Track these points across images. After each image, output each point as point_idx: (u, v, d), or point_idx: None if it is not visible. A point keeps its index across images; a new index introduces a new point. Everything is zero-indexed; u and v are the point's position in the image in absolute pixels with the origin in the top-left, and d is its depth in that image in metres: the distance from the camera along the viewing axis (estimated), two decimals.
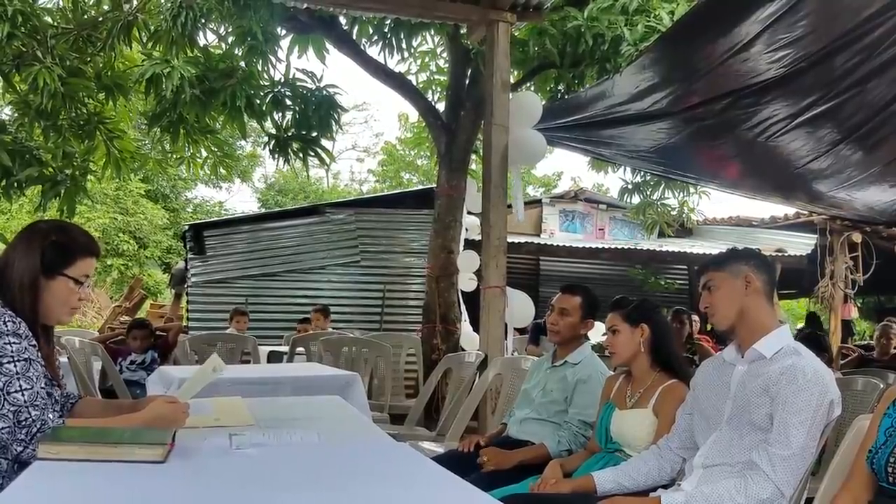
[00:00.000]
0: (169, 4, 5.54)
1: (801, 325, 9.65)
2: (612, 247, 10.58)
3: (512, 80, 5.51)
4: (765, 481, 1.87)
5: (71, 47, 5.92)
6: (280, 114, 6.07)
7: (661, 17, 5.42)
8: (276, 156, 6.18)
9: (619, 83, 4.65)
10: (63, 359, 4.06)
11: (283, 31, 6.07)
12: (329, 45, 6.23)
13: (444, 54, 6.91)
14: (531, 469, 2.64)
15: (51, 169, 5.96)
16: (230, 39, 5.92)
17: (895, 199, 5.90)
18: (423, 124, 7.44)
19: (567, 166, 46.69)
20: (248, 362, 6.13)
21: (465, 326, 6.72)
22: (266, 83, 5.96)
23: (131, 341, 5.39)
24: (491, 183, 4.86)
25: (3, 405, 1.68)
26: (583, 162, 21.46)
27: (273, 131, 6.17)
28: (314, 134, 6.13)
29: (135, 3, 5.93)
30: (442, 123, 6.42)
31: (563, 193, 12.39)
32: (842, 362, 6.73)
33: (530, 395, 3.09)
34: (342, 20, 6.25)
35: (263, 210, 18.69)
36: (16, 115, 6.12)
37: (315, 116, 5.99)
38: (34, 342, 1.81)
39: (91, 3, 6.21)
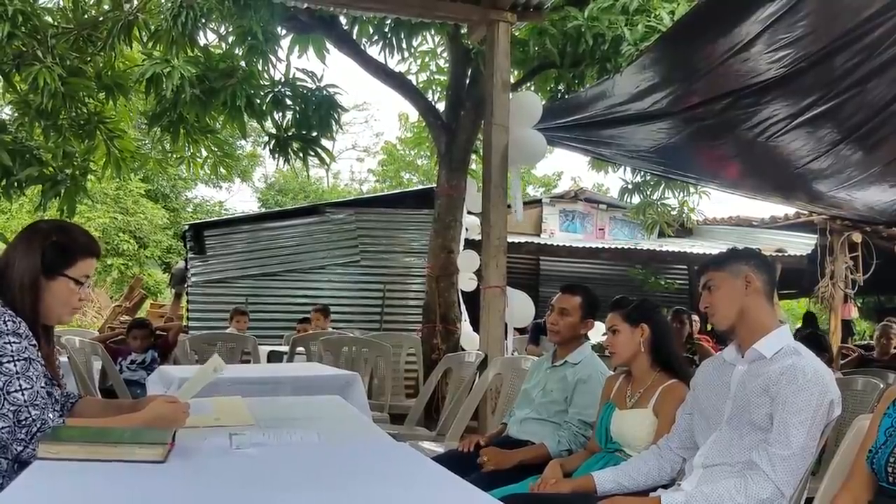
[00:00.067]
0: (169, 4, 5.54)
1: (798, 325, 9.63)
2: (612, 247, 10.58)
3: (512, 80, 5.51)
4: (765, 481, 1.87)
5: (71, 47, 5.93)
6: (280, 113, 6.07)
7: (662, 17, 5.42)
8: (277, 155, 6.18)
9: (620, 83, 4.65)
10: (63, 358, 4.06)
11: (284, 31, 6.08)
12: (329, 45, 6.23)
13: (445, 54, 6.91)
14: (531, 469, 2.64)
15: (51, 168, 5.96)
16: (230, 39, 5.92)
17: (895, 199, 5.90)
18: (423, 124, 7.44)
19: (567, 166, 46.78)
20: (248, 362, 6.13)
21: (465, 326, 6.72)
22: (266, 83, 5.96)
23: (131, 341, 5.39)
24: (491, 183, 4.86)
25: (3, 405, 1.68)
26: (583, 162, 21.52)
27: (273, 131, 6.17)
28: (314, 134, 6.13)
29: (135, 2, 5.93)
30: (442, 123, 6.42)
31: (563, 193, 12.40)
32: (842, 362, 6.73)
33: (530, 394, 3.09)
34: (342, 20, 6.25)
35: (263, 210, 18.68)
36: (16, 114, 6.12)
37: (315, 116, 5.99)
38: (34, 342, 1.81)
39: (91, 2, 6.22)
